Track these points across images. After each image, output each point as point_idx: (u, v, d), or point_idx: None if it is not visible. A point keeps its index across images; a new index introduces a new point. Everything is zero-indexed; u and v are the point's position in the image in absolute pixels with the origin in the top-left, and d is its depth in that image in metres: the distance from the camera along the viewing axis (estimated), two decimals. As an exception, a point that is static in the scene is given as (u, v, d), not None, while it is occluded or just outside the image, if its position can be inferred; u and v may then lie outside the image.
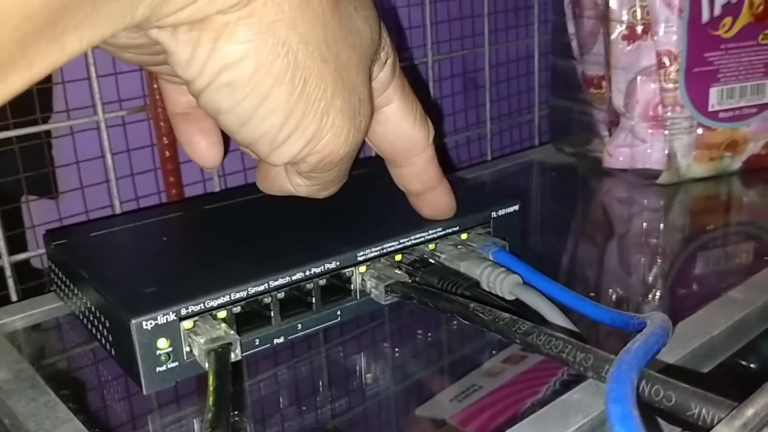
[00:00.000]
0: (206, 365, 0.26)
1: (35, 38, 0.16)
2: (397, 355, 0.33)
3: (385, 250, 0.33)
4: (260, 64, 0.22)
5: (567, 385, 0.27)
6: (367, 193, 0.38)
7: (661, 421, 0.24)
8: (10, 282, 0.41)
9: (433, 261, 0.34)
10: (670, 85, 0.49)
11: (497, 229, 0.37)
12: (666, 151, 0.51)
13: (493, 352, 0.32)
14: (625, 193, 0.52)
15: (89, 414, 0.28)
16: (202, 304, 0.28)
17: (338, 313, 0.32)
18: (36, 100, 0.41)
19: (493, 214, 0.37)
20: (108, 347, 0.30)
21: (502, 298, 0.32)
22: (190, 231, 0.37)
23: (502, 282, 0.32)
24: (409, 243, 0.34)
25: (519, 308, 0.31)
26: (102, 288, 0.29)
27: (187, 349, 0.28)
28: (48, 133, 0.43)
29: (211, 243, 0.34)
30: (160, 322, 0.27)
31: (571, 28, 0.56)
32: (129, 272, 0.31)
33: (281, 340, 0.30)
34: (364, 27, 0.25)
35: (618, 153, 0.53)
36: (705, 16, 0.49)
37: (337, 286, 0.32)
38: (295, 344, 0.32)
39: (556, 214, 0.51)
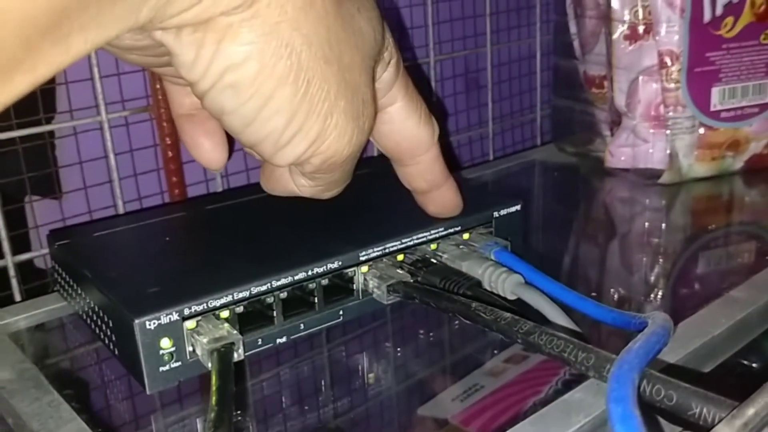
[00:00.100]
0: (209, 365, 0.27)
1: (40, 40, 0.16)
2: (399, 354, 0.33)
3: (387, 250, 0.33)
4: (264, 65, 0.22)
5: (568, 385, 0.27)
6: (369, 192, 0.38)
7: (662, 421, 0.24)
8: (14, 282, 0.41)
9: (435, 261, 0.34)
10: (672, 85, 0.49)
11: (499, 229, 0.37)
12: (668, 151, 0.51)
13: (495, 351, 0.32)
14: (627, 193, 0.52)
15: (92, 413, 0.28)
16: (205, 304, 0.28)
17: (340, 312, 0.32)
18: (39, 101, 0.42)
19: (495, 214, 0.37)
20: (111, 347, 0.30)
21: (504, 298, 0.32)
22: (193, 231, 0.37)
23: (503, 282, 0.32)
24: (411, 243, 0.34)
25: (521, 308, 0.31)
26: (105, 288, 0.30)
27: (190, 348, 0.28)
28: (51, 133, 0.43)
29: (213, 243, 0.35)
30: (163, 322, 0.27)
31: (572, 28, 0.56)
32: (132, 272, 0.31)
33: (284, 339, 0.31)
34: (367, 28, 0.25)
35: (620, 153, 0.53)
36: (707, 16, 0.49)
37: (340, 286, 0.32)
38: (298, 344, 0.32)
39: (558, 213, 0.52)
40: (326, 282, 0.31)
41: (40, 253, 0.43)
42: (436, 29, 0.58)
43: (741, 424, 0.20)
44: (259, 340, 0.30)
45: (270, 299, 0.30)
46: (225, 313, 0.29)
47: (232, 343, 0.27)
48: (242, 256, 0.32)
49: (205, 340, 0.27)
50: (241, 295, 0.29)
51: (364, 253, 0.32)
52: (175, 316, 0.27)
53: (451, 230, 0.35)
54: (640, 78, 0.50)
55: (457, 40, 0.60)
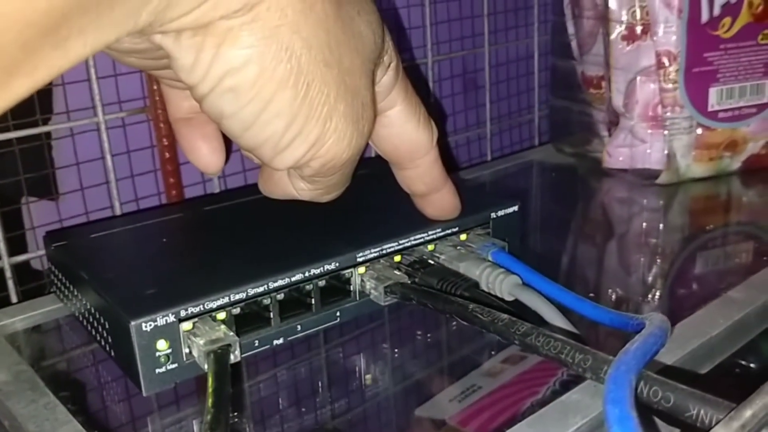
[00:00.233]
0: (206, 367, 0.27)
1: (39, 43, 0.16)
2: (396, 355, 0.33)
3: (384, 251, 0.33)
4: (263, 69, 0.22)
5: (566, 386, 0.27)
6: (366, 194, 0.38)
7: (659, 422, 0.24)
8: (10, 283, 0.41)
9: (432, 262, 0.34)
10: (670, 86, 0.49)
11: (496, 230, 0.37)
12: (665, 151, 0.51)
13: (493, 352, 0.32)
14: (625, 193, 0.52)
15: (89, 415, 0.28)
16: (201, 306, 0.28)
17: (338, 314, 0.32)
18: (36, 102, 0.42)
19: (493, 215, 0.37)
20: (108, 349, 0.30)
21: (502, 299, 0.32)
22: (189, 232, 0.37)
23: (501, 283, 0.32)
24: (409, 244, 0.34)
25: (518, 309, 0.31)
26: (102, 289, 0.29)
27: (187, 350, 0.28)
28: (48, 134, 0.43)
29: (210, 244, 0.35)
30: (159, 324, 0.27)
31: (570, 29, 0.56)
32: (129, 274, 0.31)
33: (281, 341, 0.31)
34: (367, 31, 0.25)
35: (617, 153, 0.53)
36: (704, 16, 0.49)
37: (337, 287, 0.32)
38: (295, 345, 0.32)
39: (556, 214, 0.52)
40: (323, 283, 0.31)
41: (36, 255, 0.43)
42: (434, 30, 0.58)
43: (738, 426, 0.20)
44: (256, 341, 0.30)
45: (267, 301, 0.30)
46: (222, 315, 0.28)
47: (229, 345, 0.27)
48: (239, 258, 0.32)
49: (201, 342, 0.27)
50: (237, 297, 0.29)
51: (361, 254, 0.32)
52: (171, 318, 0.27)
53: (449, 231, 0.35)
54: (638, 78, 0.50)
55: (455, 40, 0.60)
